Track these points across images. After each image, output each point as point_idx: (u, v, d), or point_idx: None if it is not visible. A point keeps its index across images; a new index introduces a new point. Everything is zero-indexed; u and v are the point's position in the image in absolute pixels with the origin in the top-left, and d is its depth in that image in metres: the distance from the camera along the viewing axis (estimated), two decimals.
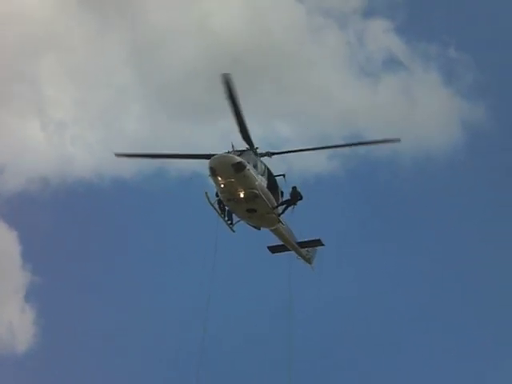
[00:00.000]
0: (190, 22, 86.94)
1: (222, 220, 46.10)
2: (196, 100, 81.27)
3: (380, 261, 78.43)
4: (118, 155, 47.55)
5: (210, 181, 43.94)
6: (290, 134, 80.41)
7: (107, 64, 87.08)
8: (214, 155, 43.59)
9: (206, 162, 43.24)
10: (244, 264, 64.08)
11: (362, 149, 75.71)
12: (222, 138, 74.86)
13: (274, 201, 45.95)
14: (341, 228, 74.87)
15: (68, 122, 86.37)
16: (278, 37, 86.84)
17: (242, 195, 43.82)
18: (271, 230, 48.91)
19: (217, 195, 45.16)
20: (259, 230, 48.39)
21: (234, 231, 46.77)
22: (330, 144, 49.08)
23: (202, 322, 47.92)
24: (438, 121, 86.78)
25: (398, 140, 46.23)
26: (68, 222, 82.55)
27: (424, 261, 78.79)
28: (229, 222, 46.45)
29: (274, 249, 52.20)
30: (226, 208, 45.87)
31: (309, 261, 53.30)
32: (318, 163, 78.38)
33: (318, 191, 74.96)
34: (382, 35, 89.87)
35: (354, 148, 49.25)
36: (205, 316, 47.77)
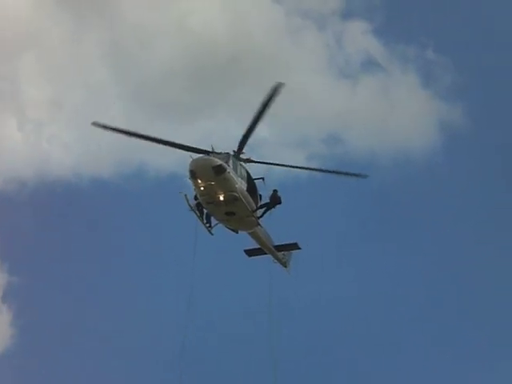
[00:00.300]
0: (168, 21, 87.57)
1: (200, 223, 46.19)
2: (174, 100, 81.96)
3: (359, 263, 79.51)
4: (95, 124, 44.90)
5: (189, 182, 43.94)
6: (268, 135, 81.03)
7: (85, 63, 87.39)
8: (193, 148, 43.98)
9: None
10: (225, 264, 64.06)
11: (340, 150, 77.15)
12: (200, 138, 75.19)
13: (253, 204, 46.03)
14: (319, 230, 74.94)
15: (45, 122, 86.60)
16: (257, 37, 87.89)
17: (221, 198, 43.87)
18: (249, 233, 49.03)
19: (195, 198, 45.07)
20: (237, 233, 48.49)
21: (212, 234, 46.87)
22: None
23: (183, 324, 48.24)
24: (415, 122, 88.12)
25: (366, 176, 48.08)
26: (46, 222, 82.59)
27: (407, 261, 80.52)
28: (207, 224, 46.46)
29: (250, 252, 52.25)
30: (205, 211, 45.86)
31: (284, 264, 53.42)
32: (297, 164, 79.06)
33: (297, 193, 75.06)
34: (360, 37, 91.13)
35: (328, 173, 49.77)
36: (186, 317, 48.02)
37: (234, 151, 45.14)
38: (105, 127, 44.51)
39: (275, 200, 47.02)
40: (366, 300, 76.13)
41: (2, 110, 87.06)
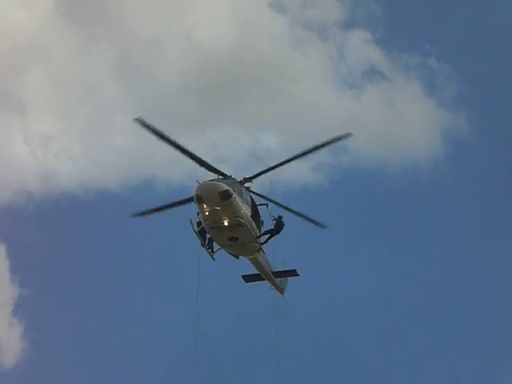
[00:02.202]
0: (176, 34, 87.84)
1: (203, 248, 46.09)
2: (182, 111, 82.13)
3: (367, 269, 79.61)
4: (138, 121, 42.66)
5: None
6: (275, 145, 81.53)
7: (93, 77, 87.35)
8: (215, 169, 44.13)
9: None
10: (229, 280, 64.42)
11: (346, 160, 77.31)
12: (209, 150, 75.92)
13: (257, 230, 46.07)
14: (328, 238, 75.49)
15: (53, 136, 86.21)
16: (263, 49, 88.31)
17: (226, 223, 43.85)
18: (249, 259, 49.03)
19: (199, 223, 44.98)
20: (238, 258, 48.46)
21: (214, 259, 46.77)
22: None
23: (192, 336, 48.89)
24: (420, 131, 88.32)
25: (349, 135, 45.13)
26: (53, 234, 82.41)
27: (412, 266, 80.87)
28: (210, 249, 46.31)
29: (248, 278, 52.27)
30: (207, 235, 45.75)
31: (281, 291, 53.33)
32: (303, 174, 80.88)
33: (304, 202, 75.38)
34: (363, 47, 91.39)
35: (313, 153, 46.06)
36: (195, 330, 48.78)
37: (244, 178, 45.51)
38: (146, 126, 42.80)
39: (280, 226, 46.94)
40: (371, 304, 76.51)
41: (10, 123, 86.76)
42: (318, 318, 71.26)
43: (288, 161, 45.47)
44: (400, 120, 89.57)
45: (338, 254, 76.56)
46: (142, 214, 47.96)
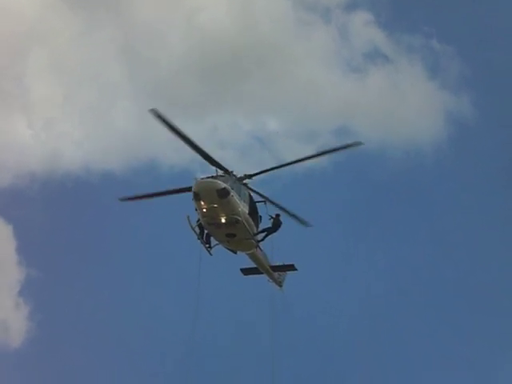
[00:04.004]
0: (178, 18, 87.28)
1: (200, 243, 46.41)
2: (184, 95, 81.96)
3: (372, 254, 79.75)
4: (153, 112, 42.38)
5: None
6: (278, 128, 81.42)
7: (95, 61, 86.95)
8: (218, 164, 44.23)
9: None
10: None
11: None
12: (210, 132, 75.84)
13: (254, 227, 46.34)
14: (331, 221, 75.52)
15: (55, 119, 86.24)
16: (266, 32, 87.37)
17: (223, 220, 44.11)
18: (247, 254, 49.37)
19: (198, 219, 45.26)
20: (235, 253, 48.67)
21: (211, 254, 47.03)
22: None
23: (191, 320, 49.50)
24: (423, 113, 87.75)
25: (360, 143, 45.62)
26: (57, 216, 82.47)
27: (416, 251, 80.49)
28: (207, 245, 46.66)
29: (246, 271, 52.47)
30: (205, 231, 46.09)
31: (279, 284, 53.70)
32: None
33: (309, 186, 75.16)
34: (365, 29, 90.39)
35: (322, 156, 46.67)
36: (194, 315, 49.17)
37: (245, 174, 45.56)
38: (160, 117, 42.43)
39: (277, 225, 47.19)
40: (375, 293, 76.83)
41: (13, 107, 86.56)
42: (317, 310, 71.52)
43: (292, 163, 45.67)
44: (403, 102, 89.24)
45: (337, 243, 76.48)
46: (130, 199, 48.10)
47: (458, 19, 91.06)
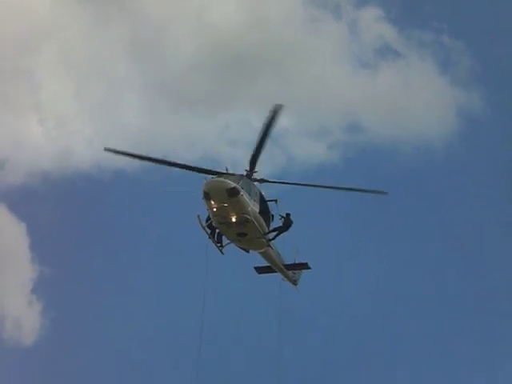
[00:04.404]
0: (188, 14, 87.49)
1: (211, 242, 46.54)
2: (195, 93, 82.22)
3: (382, 251, 79.63)
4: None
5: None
6: (289, 125, 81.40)
7: (106, 57, 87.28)
8: (207, 170, 44.35)
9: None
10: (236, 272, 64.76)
11: (361, 139, 77.59)
12: (221, 130, 75.86)
13: (265, 226, 46.28)
14: (342, 217, 75.65)
15: (66, 116, 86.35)
16: (276, 29, 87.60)
17: (233, 219, 44.17)
18: (260, 253, 49.38)
19: (208, 218, 45.48)
20: (248, 252, 48.81)
21: (223, 253, 47.15)
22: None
23: (199, 320, 49.21)
24: (434, 109, 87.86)
25: (384, 192, 48.22)
26: (69, 214, 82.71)
27: (427, 247, 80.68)
28: (218, 244, 46.80)
29: (260, 270, 52.47)
30: (217, 230, 46.21)
31: (294, 282, 53.67)
32: (319, 154, 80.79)
33: (320, 182, 75.42)
34: (376, 25, 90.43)
35: (345, 191, 48.89)
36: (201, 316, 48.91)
37: (246, 171, 45.41)
38: (116, 152, 44.95)
39: (288, 224, 47.22)
40: (386, 288, 76.91)
41: (23, 104, 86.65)
42: (326, 309, 71.34)
43: (311, 185, 47.26)
44: (413, 98, 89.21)
45: (348, 237, 76.33)
46: (116, 152, 47.37)
47: (469, 14, 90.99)
